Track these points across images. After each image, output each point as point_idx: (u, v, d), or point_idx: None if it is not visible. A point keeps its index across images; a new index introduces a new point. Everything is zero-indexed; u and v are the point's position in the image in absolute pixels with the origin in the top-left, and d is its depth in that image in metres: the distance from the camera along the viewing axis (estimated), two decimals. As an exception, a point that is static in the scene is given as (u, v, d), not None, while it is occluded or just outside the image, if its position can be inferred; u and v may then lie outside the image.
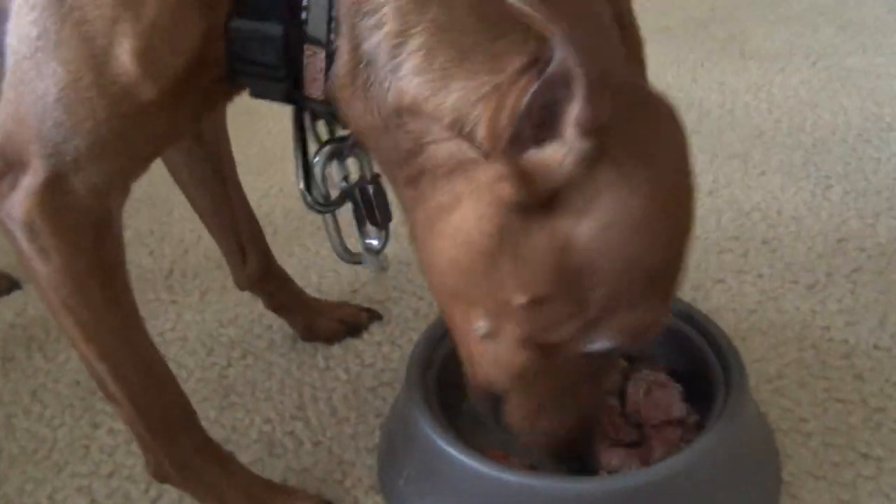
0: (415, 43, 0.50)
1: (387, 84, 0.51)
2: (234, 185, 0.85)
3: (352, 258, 0.75)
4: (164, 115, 0.56)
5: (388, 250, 1.11)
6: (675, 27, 1.77)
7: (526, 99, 0.46)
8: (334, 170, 0.68)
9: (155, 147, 0.62)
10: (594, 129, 0.45)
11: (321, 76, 0.54)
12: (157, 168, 1.36)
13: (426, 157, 0.53)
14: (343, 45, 0.52)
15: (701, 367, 0.75)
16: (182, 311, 1.03)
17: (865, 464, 0.72)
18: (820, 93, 1.42)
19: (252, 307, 1.02)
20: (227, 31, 0.54)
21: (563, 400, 0.61)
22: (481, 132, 0.49)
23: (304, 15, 0.53)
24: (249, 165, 1.38)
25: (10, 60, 0.54)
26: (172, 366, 0.92)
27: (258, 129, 1.54)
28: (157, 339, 0.99)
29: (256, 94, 0.59)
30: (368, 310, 0.98)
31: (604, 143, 0.46)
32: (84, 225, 0.57)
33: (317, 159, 0.66)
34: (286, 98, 0.58)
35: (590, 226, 0.49)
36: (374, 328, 0.96)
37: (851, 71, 1.49)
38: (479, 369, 0.60)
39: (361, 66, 0.52)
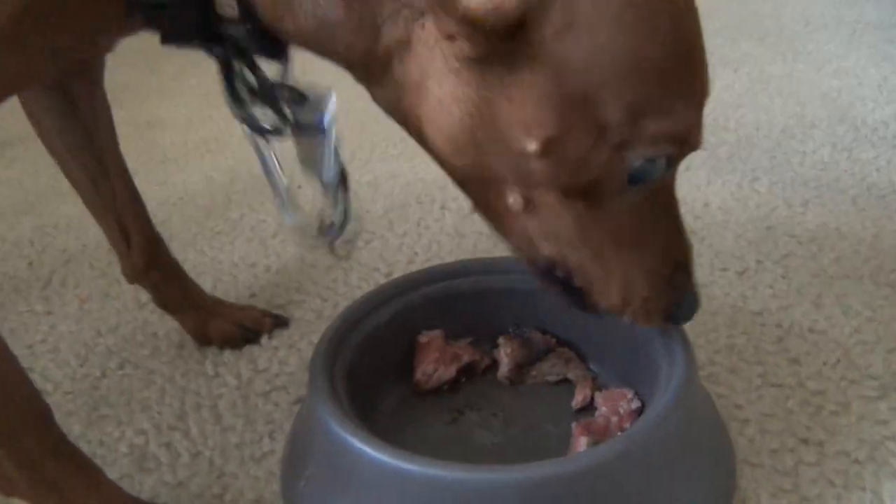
0: None
1: None
2: (115, 160, 0.75)
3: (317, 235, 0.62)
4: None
5: (293, 248, 1.04)
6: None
7: None
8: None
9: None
10: None
11: None
12: (45, 178, 1.27)
13: (385, 36, 0.46)
14: None
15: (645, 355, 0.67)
16: (57, 321, 0.92)
17: (807, 449, 0.66)
18: (743, 96, 1.40)
19: (136, 314, 0.92)
20: None
21: (643, 250, 0.53)
22: None
23: None
24: (151, 175, 1.29)
25: None
26: (37, 379, 0.82)
27: (162, 141, 1.45)
28: (24, 353, 0.88)
29: (164, 34, 0.51)
30: (275, 315, 0.88)
31: None
32: None
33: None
34: (197, 33, 0.50)
35: (578, 37, 0.43)
36: (273, 332, 0.86)
37: (773, 76, 1.48)
38: (534, 251, 0.54)
39: None
